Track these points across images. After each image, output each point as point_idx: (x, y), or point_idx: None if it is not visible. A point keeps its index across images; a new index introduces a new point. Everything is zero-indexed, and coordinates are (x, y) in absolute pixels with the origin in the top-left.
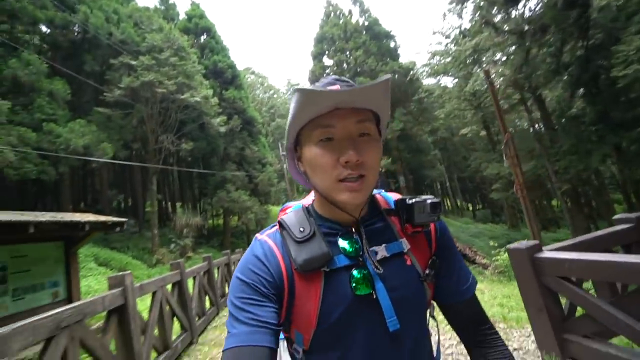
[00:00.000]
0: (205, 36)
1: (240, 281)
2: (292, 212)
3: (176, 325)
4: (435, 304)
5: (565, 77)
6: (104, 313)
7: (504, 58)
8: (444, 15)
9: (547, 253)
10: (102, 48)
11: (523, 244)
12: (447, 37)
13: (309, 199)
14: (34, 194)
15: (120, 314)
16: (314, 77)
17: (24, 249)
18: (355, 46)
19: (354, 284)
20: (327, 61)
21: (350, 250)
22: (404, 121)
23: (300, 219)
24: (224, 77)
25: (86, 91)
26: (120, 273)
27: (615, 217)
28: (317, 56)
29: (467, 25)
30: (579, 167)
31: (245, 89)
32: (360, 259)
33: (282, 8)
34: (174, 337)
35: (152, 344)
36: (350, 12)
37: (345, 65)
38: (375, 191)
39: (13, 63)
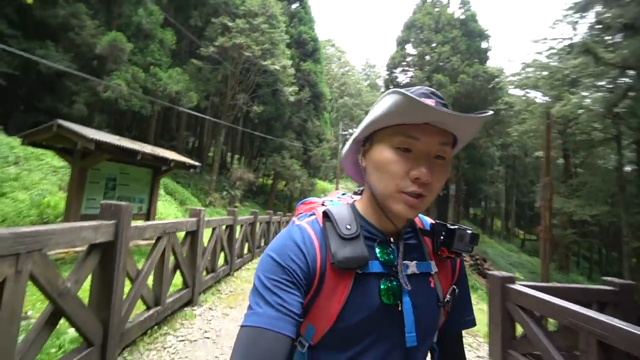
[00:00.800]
0: (297, 4)
1: (275, 262)
2: (340, 207)
3: (221, 259)
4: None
5: None
6: (184, 233)
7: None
8: (555, 23)
9: (516, 286)
10: (207, 6)
11: (501, 273)
12: (552, 48)
13: (334, 196)
14: (130, 121)
15: (193, 236)
16: (393, 64)
17: (128, 168)
18: (444, 40)
19: (383, 292)
20: (410, 50)
21: (385, 259)
22: None
23: (349, 216)
24: (305, 48)
25: (186, 43)
26: (198, 208)
27: (604, 278)
28: (402, 43)
29: (579, 38)
30: None
31: (322, 63)
32: (394, 269)
33: None
34: (219, 264)
35: (205, 265)
36: (448, 1)
37: (427, 57)
38: None
39: (140, 12)
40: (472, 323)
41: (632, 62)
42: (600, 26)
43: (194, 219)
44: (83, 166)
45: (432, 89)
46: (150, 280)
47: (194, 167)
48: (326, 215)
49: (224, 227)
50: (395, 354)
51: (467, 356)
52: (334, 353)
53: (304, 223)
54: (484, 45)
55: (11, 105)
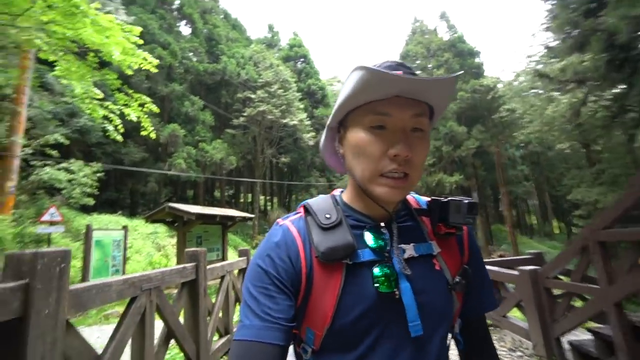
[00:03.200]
0: (302, 62)
1: (259, 268)
2: (319, 198)
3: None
4: (459, 321)
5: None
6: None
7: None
8: (533, 35)
9: None
10: (232, 86)
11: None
12: (530, 56)
13: (334, 193)
14: (184, 186)
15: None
16: None
17: (207, 228)
18: (437, 64)
19: (376, 281)
20: None
21: (375, 245)
22: (481, 139)
23: (327, 205)
24: (315, 97)
25: (220, 118)
26: (245, 248)
27: (528, 251)
28: None
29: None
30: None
31: (332, 107)
32: (387, 255)
33: (372, 19)
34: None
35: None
36: (435, 28)
37: None
38: None
39: (187, 105)
40: (493, 305)
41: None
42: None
43: (244, 258)
44: (184, 231)
45: (400, 61)
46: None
47: (250, 219)
48: (305, 209)
49: (235, 271)
50: (404, 347)
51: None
52: (339, 354)
53: (286, 222)
54: (476, 60)
55: (105, 189)
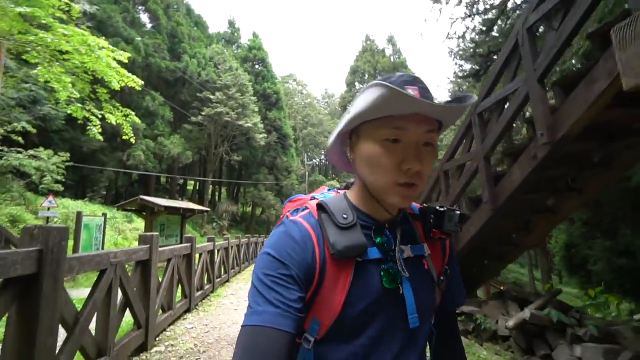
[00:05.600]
0: (260, 65)
1: (272, 258)
2: (333, 198)
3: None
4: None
5: None
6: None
7: None
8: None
9: None
10: (192, 85)
11: None
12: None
13: (321, 191)
14: (143, 178)
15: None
16: (344, 102)
17: (170, 217)
18: None
19: (384, 277)
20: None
21: (383, 245)
22: None
23: (344, 206)
24: (270, 100)
25: (179, 113)
26: (150, 234)
27: None
28: (349, 84)
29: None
30: None
31: (285, 110)
32: (392, 254)
33: (329, 20)
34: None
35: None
36: (384, 49)
37: None
38: None
39: (148, 100)
40: (463, 299)
41: None
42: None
43: (188, 244)
44: (152, 219)
45: (415, 75)
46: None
47: (206, 211)
48: (320, 207)
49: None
50: (402, 336)
51: None
52: (342, 345)
53: (298, 217)
54: None
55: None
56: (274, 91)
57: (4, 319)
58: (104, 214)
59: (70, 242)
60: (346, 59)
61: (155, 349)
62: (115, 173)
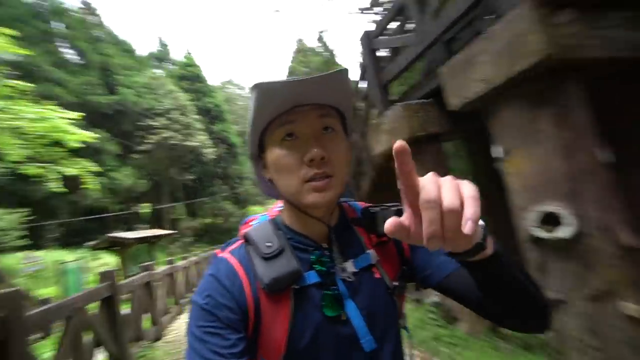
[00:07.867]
0: (196, 81)
1: (200, 309)
2: (257, 224)
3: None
4: (406, 315)
5: None
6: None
7: None
8: None
9: None
10: (133, 114)
11: None
12: None
13: (274, 209)
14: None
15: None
16: None
17: (139, 246)
18: None
19: (322, 305)
20: None
21: (319, 268)
22: None
23: (267, 232)
24: (212, 114)
25: (125, 145)
26: (110, 269)
27: None
28: None
29: None
30: None
31: (228, 120)
32: (331, 276)
33: (265, 26)
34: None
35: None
36: (314, 48)
37: None
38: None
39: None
40: (453, 264)
41: None
42: None
43: (107, 283)
44: (124, 252)
45: (292, 77)
46: None
47: (173, 234)
48: (246, 238)
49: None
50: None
51: None
52: None
53: (226, 254)
54: None
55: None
56: (214, 104)
57: None
58: (80, 259)
59: (52, 289)
60: (286, 58)
61: None
62: (71, 216)
